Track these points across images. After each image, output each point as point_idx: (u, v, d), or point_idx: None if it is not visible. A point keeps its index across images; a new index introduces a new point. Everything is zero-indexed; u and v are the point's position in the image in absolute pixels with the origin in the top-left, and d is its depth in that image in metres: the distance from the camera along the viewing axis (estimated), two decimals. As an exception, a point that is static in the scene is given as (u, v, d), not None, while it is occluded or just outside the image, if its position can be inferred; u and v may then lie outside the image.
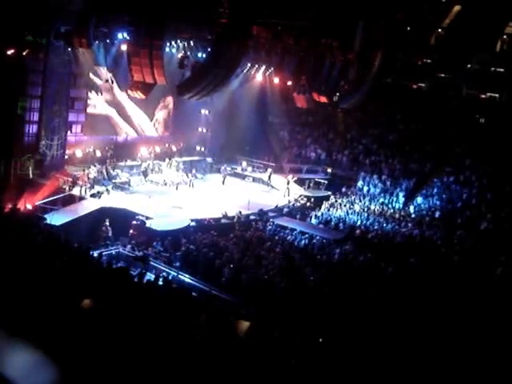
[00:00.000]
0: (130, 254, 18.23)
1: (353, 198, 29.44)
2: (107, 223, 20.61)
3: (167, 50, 24.27)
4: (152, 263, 17.08)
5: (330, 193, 30.44)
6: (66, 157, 26.27)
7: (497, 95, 33.26)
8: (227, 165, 32.54)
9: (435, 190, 29.34)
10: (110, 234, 20.30)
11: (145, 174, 28.40)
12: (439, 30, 32.03)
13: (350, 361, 9.81)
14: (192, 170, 29.85)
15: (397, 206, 28.42)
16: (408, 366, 11.37)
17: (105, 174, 26.04)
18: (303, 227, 24.38)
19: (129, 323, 7.95)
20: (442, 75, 32.34)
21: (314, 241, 22.43)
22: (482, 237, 24.11)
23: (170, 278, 16.03)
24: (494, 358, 12.36)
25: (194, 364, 7.07)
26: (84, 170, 24.92)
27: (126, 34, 22.76)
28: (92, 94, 28.74)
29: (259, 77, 29.21)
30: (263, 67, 28.45)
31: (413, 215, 27.17)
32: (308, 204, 28.38)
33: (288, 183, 30.19)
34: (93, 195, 23.11)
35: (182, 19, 23.19)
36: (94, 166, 26.06)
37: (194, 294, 12.28)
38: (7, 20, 20.28)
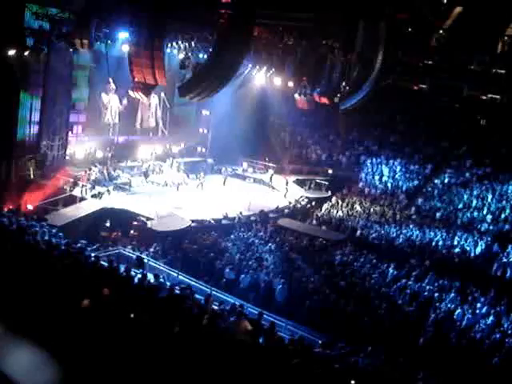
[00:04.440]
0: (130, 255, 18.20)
1: (353, 199, 29.45)
2: (108, 224, 20.61)
3: (168, 50, 24.30)
4: (152, 264, 17.06)
5: (330, 194, 30.47)
6: (67, 157, 26.28)
7: (498, 96, 33.30)
8: (228, 166, 32.55)
9: (436, 192, 29.36)
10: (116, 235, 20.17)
11: (146, 174, 28.40)
12: (440, 31, 32.05)
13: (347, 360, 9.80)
14: (200, 172, 29.79)
15: (397, 208, 28.42)
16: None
17: (106, 174, 26.03)
18: (304, 228, 24.40)
19: (129, 324, 7.96)
20: (443, 76, 32.35)
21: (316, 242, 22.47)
22: (483, 238, 24.15)
23: (170, 278, 16.01)
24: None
25: (194, 365, 7.07)
26: (85, 171, 24.92)
27: (127, 35, 22.77)
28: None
29: (260, 78, 29.21)
30: (264, 68, 28.45)
31: (413, 216, 27.17)
32: (309, 205, 28.38)
33: (287, 183, 30.20)
34: (94, 196, 23.10)
35: (184, 20, 23.19)
36: (95, 166, 26.05)
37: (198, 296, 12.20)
38: (8, 20, 20.30)
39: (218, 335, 7.89)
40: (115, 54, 23.84)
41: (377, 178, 31.75)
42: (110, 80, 27.65)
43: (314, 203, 28.75)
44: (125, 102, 28.94)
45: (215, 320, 8.57)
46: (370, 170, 32.60)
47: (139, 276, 11.14)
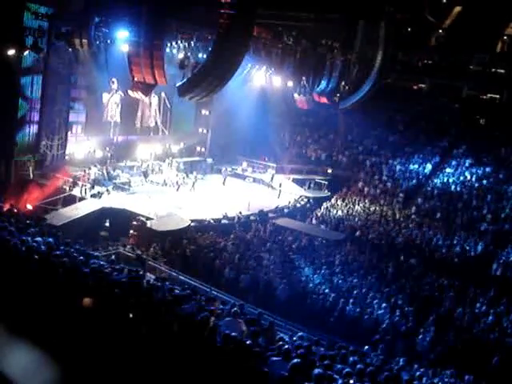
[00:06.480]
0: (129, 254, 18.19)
1: (353, 198, 29.45)
2: (107, 224, 20.58)
3: (168, 50, 24.30)
4: (151, 263, 17.06)
5: (330, 193, 30.47)
6: (67, 157, 26.24)
7: (497, 96, 33.36)
8: (228, 165, 32.54)
9: (435, 191, 29.36)
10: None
11: (145, 174, 28.39)
12: (440, 31, 32.15)
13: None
14: (193, 172, 29.77)
15: (397, 207, 28.42)
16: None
17: (105, 174, 26.00)
18: (303, 228, 24.39)
19: (129, 323, 7.95)
20: (443, 76, 32.41)
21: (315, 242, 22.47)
22: (482, 238, 24.17)
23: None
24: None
25: (195, 365, 7.06)
26: (84, 171, 24.90)
27: (126, 34, 22.78)
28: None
29: (260, 77, 29.20)
30: (264, 68, 28.44)
31: (413, 216, 27.17)
32: (308, 205, 28.37)
33: (280, 185, 30.10)
34: (93, 195, 23.08)
35: (183, 19, 23.22)
36: (95, 166, 26.02)
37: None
38: (8, 20, 20.30)
39: (215, 336, 7.87)
40: (115, 54, 23.82)
41: (376, 177, 31.74)
42: (114, 80, 27.67)
43: (313, 202, 28.73)
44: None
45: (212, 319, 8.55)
46: (369, 169, 32.60)
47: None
